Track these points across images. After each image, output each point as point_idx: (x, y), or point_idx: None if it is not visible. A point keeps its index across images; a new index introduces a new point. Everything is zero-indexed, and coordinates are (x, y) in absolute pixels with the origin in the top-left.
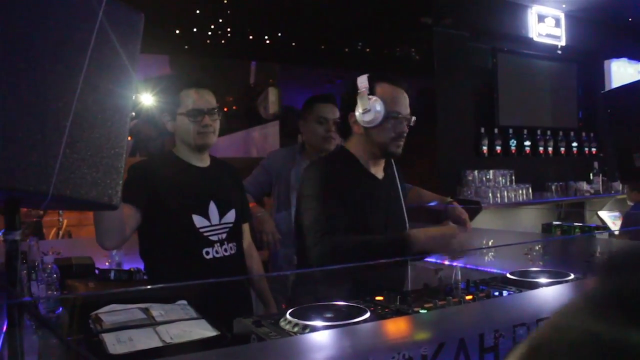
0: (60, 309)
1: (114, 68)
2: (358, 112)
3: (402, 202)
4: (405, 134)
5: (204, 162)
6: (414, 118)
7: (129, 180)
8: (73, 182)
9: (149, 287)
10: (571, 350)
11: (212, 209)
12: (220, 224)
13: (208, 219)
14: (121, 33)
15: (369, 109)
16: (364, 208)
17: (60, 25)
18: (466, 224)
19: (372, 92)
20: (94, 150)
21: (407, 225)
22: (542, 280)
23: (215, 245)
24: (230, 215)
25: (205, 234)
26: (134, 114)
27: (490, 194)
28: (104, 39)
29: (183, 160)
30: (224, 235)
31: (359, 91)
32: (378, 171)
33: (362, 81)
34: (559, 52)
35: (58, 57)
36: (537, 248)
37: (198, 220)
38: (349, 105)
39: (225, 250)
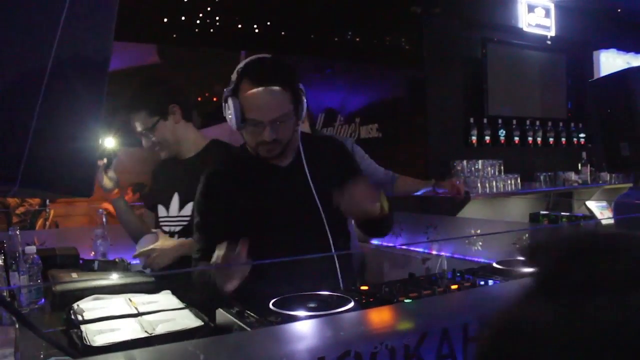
0: (43, 300)
1: (86, 51)
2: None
3: (312, 187)
4: (266, 141)
5: (188, 153)
6: (290, 120)
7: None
8: (43, 168)
9: (132, 277)
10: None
11: (175, 200)
12: (176, 216)
13: (168, 210)
14: (93, 16)
15: (225, 113)
16: (260, 198)
17: (27, 5)
18: (460, 191)
19: (234, 90)
20: (65, 134)
21: (321, 210)
22: (529, 269)
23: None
24: (188, 208)
25: (162, 225)
26: (105, 160)
27: (479, 184)
28: (74, 20)
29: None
30: (177, 228)
31: (228, 85)
32: (283, 160)
33: (234, 75)
34: (549, 42)
35: (24, 38)
36: (524, 237)
37: (160, 210)
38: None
39: None
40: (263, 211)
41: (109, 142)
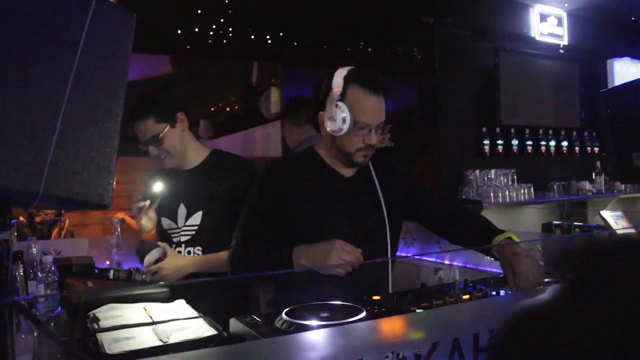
0: (60, 308)
1: (105, 68)
2: (325, 117)
3: (381, 200)
4: (373, 144)
5: (188, 164)
6: (388, 126)
7: None
8: (63, 181)
9: (147, 286)
10: None
11: (181, 211)
12: (183, 226)
13: (175, 221)
14: (112, 33)
15: (334, 117)
16: (320, 206)
17: (49, 23)
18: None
19: (342, 96)
20: (84, 149)
21: (387, 224)
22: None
23: (173, 247)
24: (196, 218)
25: (172, 236)
26: (148, 202)
27: (491, 194)
28: (94, 38)
29: (171, 168)
30: (183, 238)
31: (330, 92)
32: (347, 170)
33: (337, 81)
34: (562, 51)
35: (47, 56)
36: (538, 247)
37: (166, 223)
38: (319, 103)
39: (180, 253)
40: (324, 216)
41: (157, 186)
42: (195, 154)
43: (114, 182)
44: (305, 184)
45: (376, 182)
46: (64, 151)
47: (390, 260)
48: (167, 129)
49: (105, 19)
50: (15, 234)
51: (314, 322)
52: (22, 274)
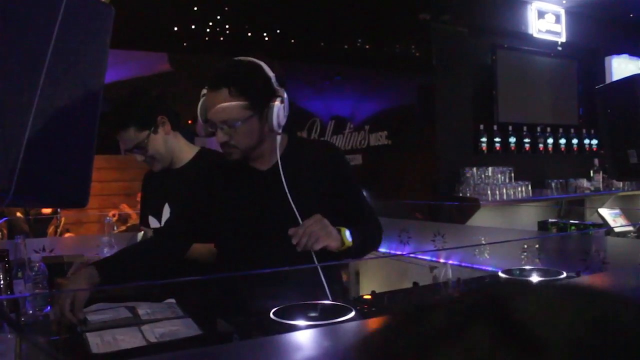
0: (49, 307)
1: (80, 63)
2: None
3: (287, 193)
4: (221, 142)
5: (176, 164)
6: (235, 124)
7: None
8: (37, 179)
9: (136, 285)
10: None
11: (166, 211)
12: None
13: (160, 220)
14: (88, 26)
15: None
16: (231, 202)
17: (20, 15)
18: None
19: None
20: (59, 146)
21: (299, 217)
22: (534, 278)
23: None
24: None
25: None
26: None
27: (489, 191)
28: (68, 31)
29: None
30: None
31: None
32: (264, 163)
33: None
34: (559, 48)
35: (17, 50)
36: (536, 246)
37: (152, 222)
38: None
39: None
40: (235, 214)
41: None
42: (183, 154)
43: (91, 180)
44: (223, 182)
45: (282, 175)
46: (37, 146)
47: (318, 265)
48: (149, 135)
49: (80, 12)
50: (6, 231)
51: (302, 322)
52: (0, 273)
